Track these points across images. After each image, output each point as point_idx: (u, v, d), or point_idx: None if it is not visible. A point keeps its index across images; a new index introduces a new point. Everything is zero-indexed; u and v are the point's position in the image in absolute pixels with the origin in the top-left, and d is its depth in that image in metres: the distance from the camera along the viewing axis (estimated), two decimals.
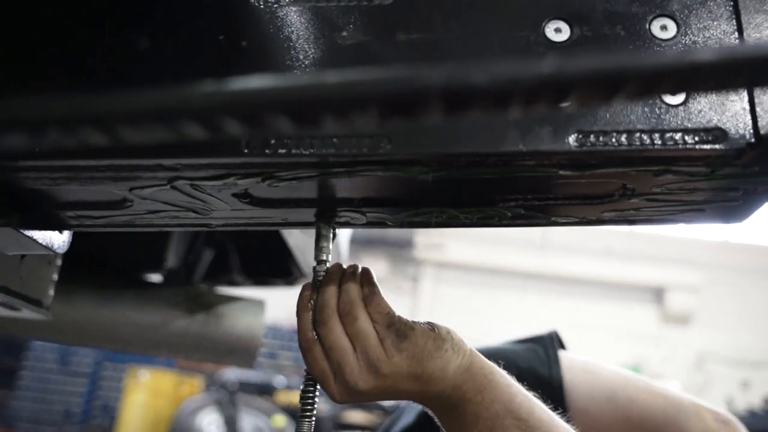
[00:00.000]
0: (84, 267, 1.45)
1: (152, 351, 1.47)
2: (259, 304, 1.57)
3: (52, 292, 1.13)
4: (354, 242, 10.62)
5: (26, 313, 1.09)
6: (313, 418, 0.80)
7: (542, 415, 0.81)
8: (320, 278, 0.80)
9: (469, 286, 10.84)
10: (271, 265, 1.68)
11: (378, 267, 11.05)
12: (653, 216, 0.78)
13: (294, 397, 7.30)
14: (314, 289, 0.79)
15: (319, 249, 0.81)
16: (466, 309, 10.63)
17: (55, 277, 1.14)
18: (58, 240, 0.85)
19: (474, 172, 0.65)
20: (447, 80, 0.36)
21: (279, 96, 0.35)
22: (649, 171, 0.66)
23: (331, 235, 0.81)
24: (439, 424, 0.84)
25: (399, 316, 0.78)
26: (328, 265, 0.81)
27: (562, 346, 1.34)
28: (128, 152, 0.64)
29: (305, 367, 0.80)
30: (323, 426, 6.80)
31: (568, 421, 0.84)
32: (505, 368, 1.28)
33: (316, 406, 0.80)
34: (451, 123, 0.60)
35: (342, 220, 0.79)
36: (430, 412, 0.83)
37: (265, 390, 6.94)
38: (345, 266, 0.81)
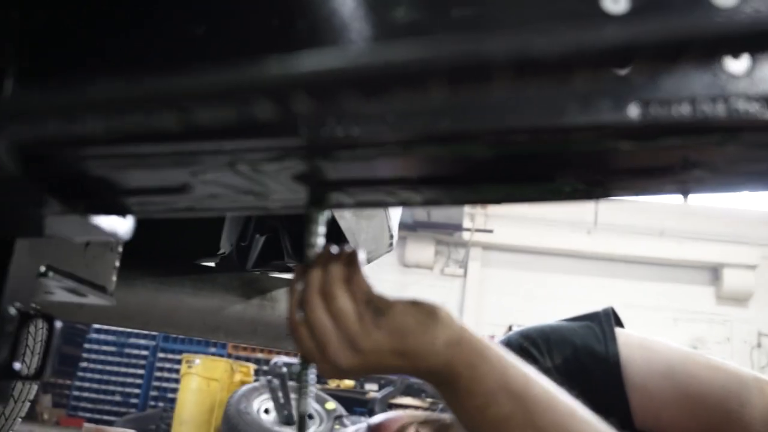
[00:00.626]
0: (141, 254, 1.49)
1: (210, 335, 1.50)
2: None
3: (115, 278, 1.17)
4: (400, 227, 10.61)
5: (92, 299, 1.13)
6: (311, 396, 0.82)
7: (538, 390, 0.80)
8: (311, 260, 0.82)
9: (519, 269, 10.77)
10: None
11: (425, 252, 11.05)
12: (715, 186, 0.76)
13: (344, 382, 7.39)
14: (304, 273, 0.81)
15: (309, 233, 0.82)
16: (515, 292, 10.56)
17: (118, 263, 1.18)
18: (122, 227, 0.87)
19: (532, 147, 0.65)
20: (509, 52, 0.36)
21: (349, 70, 0.35)
22: (711, 141, 0.65)
23: (323, 218, 0.82)
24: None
25: (378, 294, 0.79)
26: (318, 248, 0.82)
27: (619, 323, 1.33)
28: (190, 136, 0.65)
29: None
30: (374, 409, 6.86)
31: (613, 399, 0.84)
32: (560, 346, 1.28)
33: (312, 384, 0.82)
34: (511, 97, 0.60)
35: (397, 199, 0.80)
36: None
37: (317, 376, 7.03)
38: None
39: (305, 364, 0.81)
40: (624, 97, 0.62)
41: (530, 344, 1.29)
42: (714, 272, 10.31)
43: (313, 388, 0.83)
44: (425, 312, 0.80)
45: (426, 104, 0.60)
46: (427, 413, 1.29)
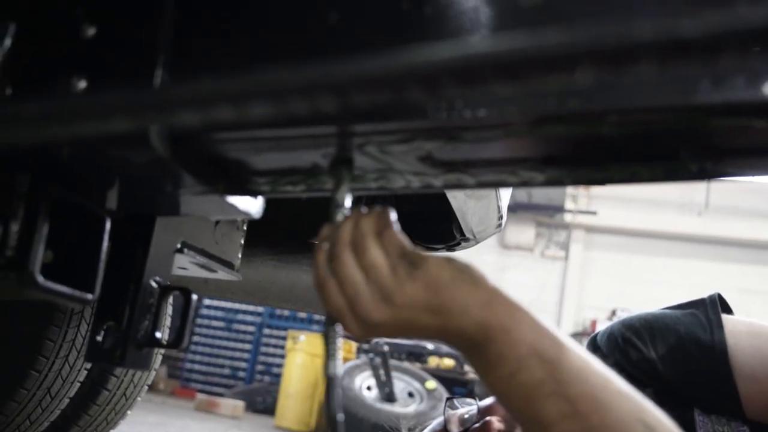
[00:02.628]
0: (262, 233, 1.56)
1: (313, 308, 1.56)
2: None
3: (240, 255, 1.24)
4: None
5: (221, 274, 1.20)
6: (340, 358, 0.79)
7: (572, 357, 0.76)
8: (339, 220, 0.78)
9: (624, 252, 10.46)
10: (432, 229, 1.72)
11: (525, 234, 10.92)
12: None
13: (444, 362, 7.44)
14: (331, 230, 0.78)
15: (336, 191, 0.79)
16: (619, 276, 10.28)
17: (243, 241, 1.25)
18: (254, 206, 0.93)
19: (661, 127, 0.65)
20: (656, 31, 0.37)
21: (499, 57, 0.37)
22: None
23: (350, 176, 0.78)
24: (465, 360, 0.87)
25: (412, 247, 0.76)
26: (345, 210, 0.79)
27: (727, 310, 1.28)
28: (324, 120, 0.69)
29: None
30: (474, 389, 6.88)
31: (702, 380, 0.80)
32: (664, 334, 1.25)
33: (339, 345, 0.79)
34: (643, 77, 0.60)
35: (519, 179, 0.81)
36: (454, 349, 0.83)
37: (417, 356, 7.12)
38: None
39: (332, 322, 0.78)
40: (759, 74, 0.60)
41: (633, 334, 1.27)
42: None
43: (340, 348, 0.79)
44: (459, 268, 0.77)
45: (560, 86, 0.61)
46: None
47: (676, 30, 0.36)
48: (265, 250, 1.55)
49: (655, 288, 9.50)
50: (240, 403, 7.12)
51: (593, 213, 10.38)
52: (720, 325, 1.23)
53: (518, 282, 10.67)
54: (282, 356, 8.73)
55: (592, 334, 1.38)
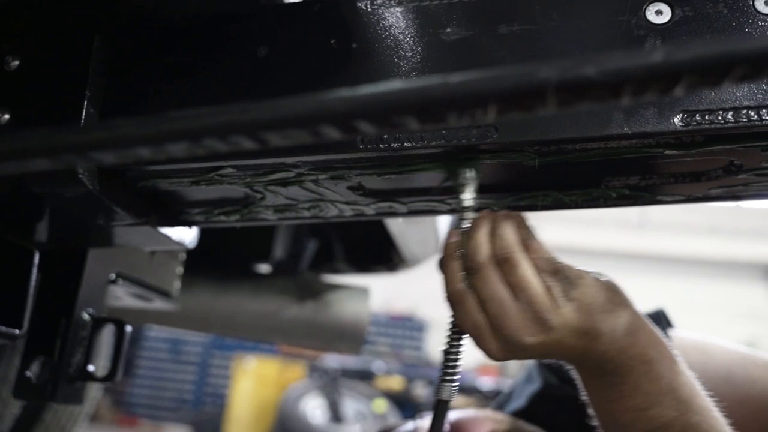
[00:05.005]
0: (200, 260, 1.55)
1: (268, 337, 1.55)
2: (364, 291, 1.63)
3: (178, 284, 1.23)
4: (449, 227, 10.60)
5: (158, 303, 1.19)
6: (457, 381, 0.74)
7: (701, 401, 0.73)
8: (466, 225, 0.72)
9: None
10: (373, 252, 1.73)
11: None
12: (763, 190, 0.77)
13: (392, 383, 7.43)
14: (461, 237, 0.71)
15: (464, 191, 0.72)
16: None
17: (181, 270, 1.24)
18: (188, 236, 0.92)
19: (579, 156, 0.68)
20: (561, 74, 0.39)
21: (408, 98, 0.39)
22: (756, 146, 0.66)
23: (473, 176, 0.71)
24: (581, 388, 0.78)
25: (565, 263, 0.70)
26: (472, 215, 0.72)
27: (669, 325, 1.32)
28: (252, 154, 0.70)
29: (451, 322, 0.74)
30: (423, 410, 6.90)
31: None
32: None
33: (460, 365, 0.74)
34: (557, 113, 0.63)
35: (448, 207, 0.83)
36: (574, 374, 0.77)
37: (365, 375, 7.09)
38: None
39: (456, 341, 0.73)
40: (669, 106, 0.64)
41: None
42: (767, 270, 10.05)
43: (460, 368, 0.74)
44: (611, 288, 0.71)
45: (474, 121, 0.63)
46: (510, 419, 1.22)
47: (573, 73, 0.38)
48: (206, 278, 1.54)
49: None
50: (186, 431, 6.97)
51: (536, 230, 10.55)
52: (667, 339, 1.26)
53: None
54: (231, 377, 8.58)
55: None
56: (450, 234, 0.72)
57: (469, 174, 0.70)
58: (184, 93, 0.72)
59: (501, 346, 0.69)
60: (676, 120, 0.63)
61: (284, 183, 0.75)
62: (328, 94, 0.40)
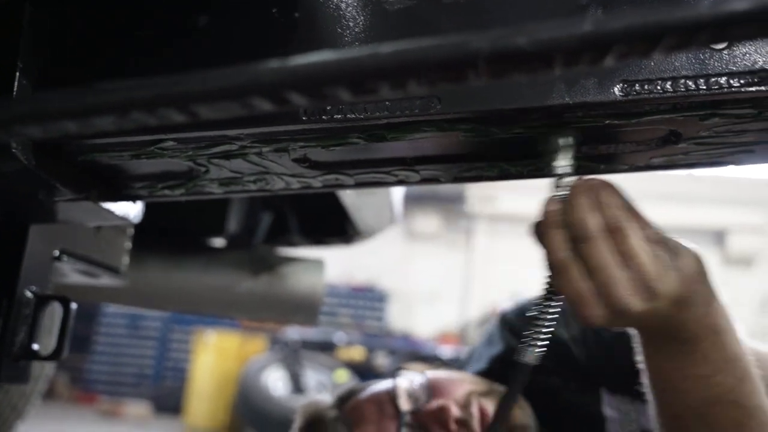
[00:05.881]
0: (151, 235, 1.53)
1: (222, 312, 1.54)
2: (319, 264, 1.63)
3: (126, 259, 1.20)
4: (406, 198, 10.66)
5: (105, 280, 1.17)
6: (543, 347, 0.74)
7: (755, 370, 0.76)
8: (562, 193, 0.72)
9: (524, 239, 10.78)
10: (328, 224, 1.73)
11: (430, 222, 11.10)
12: (703, 159, 0.79)
13: (354, 354, 7.48)
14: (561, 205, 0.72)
15: (558, 159, 0.72)
16: (521, 260, 10.61)
17: (129, 245, 1.21)
18: (132, 211, 0.90)
19: (522, 127, 0.68)
20: (492, 45, 0.38)
21: (338, 69, 0.38)
22: (695, 116, 0.67)
23: (569, 142, 0.71)
24: (642, 356, 0.79)
25: (667, 233, 0.72)
26: (567, 182, 0.73)
27: None
28: (194, 125, 0.68)
29: (546, 289, 0.75)
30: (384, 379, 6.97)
31: None
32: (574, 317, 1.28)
33: (550, 331, 0.75)
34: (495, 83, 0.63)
35: (396, 179, 0.83)
36: (636, 340, 0.78)
37: (327, 347, 7.13)
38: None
39: (549, 308, 0.74)
40: (609, 77, 0.64)
41: None
42: (719, 236, 10.34)
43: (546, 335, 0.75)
44: (702, 259, 0.73)
45: (416, 92, 0.63)
46: (485, 381, 1.23)
47: (504, 44, 0.38)
48: (158, 253, 1.52)
49: None
50: (146, 406, 6.94)
51: (494, 201, 10.65)
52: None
53: (425, 269, 10.85)
54: (192, 352, 8.55)
55: (503, 311, 1.37)
56: (548, 202, 0.72)
57: (565, 141, 0.71)
58: (122, 64, 0.70)
59: (605, 312, 0.69)
60: (616, 90, 0.64)
61: (227, 156, 0.74)
62: (257, 65, 0.40)
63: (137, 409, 6.86)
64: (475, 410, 1.13)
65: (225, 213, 1.72)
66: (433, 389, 1.17)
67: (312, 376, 6.24)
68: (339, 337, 7.48)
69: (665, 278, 0.69)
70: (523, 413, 1.17)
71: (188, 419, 6.60)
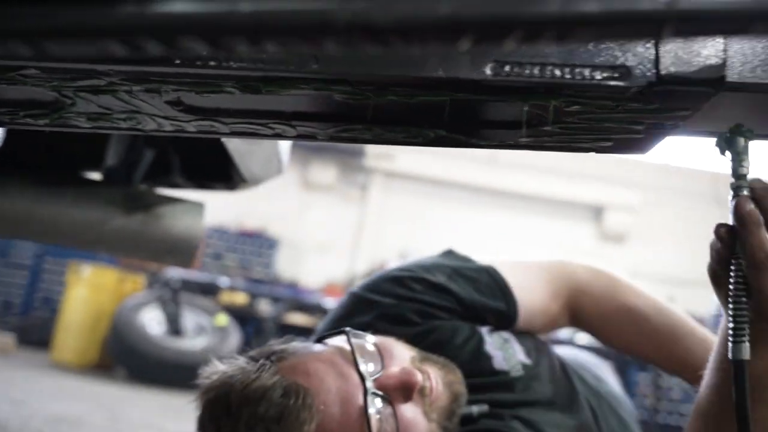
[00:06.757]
0: (22, 164, 1.46)
1: (90, 247, 1.50)
2: (199, 206, 1.60)
3: None
4: (304, 147, 10.59)
5: None
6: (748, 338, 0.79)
7: None
8: (746, 193, 0.79)
9: (418, 197, 10.99)
10: (212, 169, 1.70)
11: (327, 174, 11.08)
12: (566, 143, 0.83)
13: (236, 298, 7.44)
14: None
15: (739, 162, 0.79)
16: (414, 219, 10.81)
17: None
18: None
19: (395, 95, 0.69)
20: (351, 17, 0.39)
21: (193, 22, 0.38)
22: (560, 101, 0.71)
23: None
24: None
25: None
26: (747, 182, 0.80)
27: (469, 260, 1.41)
28: (59, 57, 0.65)
29: (740, 283, 0.80)
30: (266, 326, 6.98)
31: None
32: (437, 267, 1.32)
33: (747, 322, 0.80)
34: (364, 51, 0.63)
35: (272, 132, 0.82)
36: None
37: (209, 290, 7.04)
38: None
39: (745, 297, 0.80)
40: (482, 55, 0.66)
41: (412, 271, 1.32)
42: (597, 212, 10.92)
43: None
44: None
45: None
46: (412, 346, 1.15)
47: (362, 17, 0.38)
48: (24, 182, 1.44)
49: (445, 234, 10.11)
50: (9, 337, 6.62)
51: (392, 158, 10.75)
52: (470, 258, 1.36)
53: (318, 220, 10.86)
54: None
55: (351, 290, 1.36)
56: (743, 203, 0.78)
57: (744, 144, 0.78)
58: None
59: None
60: (487, 69, 0.66)
61: (95, 91, 0.72)
62: (113, 7, 0.39)
63: None
64: (429, 379, 1.08)
65: (104, 146, 1.66)
66: (382, 352, 1.09)
67: (191, 318, 6.17)
68: (223, 281, 7.41)
69: None
70: (455, 376, 1.14)
71: (55, 354, 6.37)
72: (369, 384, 1.01)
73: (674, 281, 9.76)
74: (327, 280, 10.05)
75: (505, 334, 1.30)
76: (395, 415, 1.02)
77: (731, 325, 0.80)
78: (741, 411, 0.77)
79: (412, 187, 11.04)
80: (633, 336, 1.33)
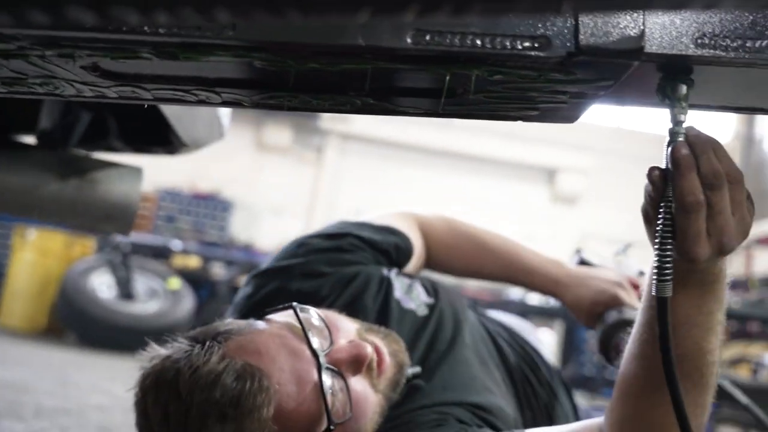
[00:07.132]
0: None
1: (23, 213, 1.46)
2: (137, 171, 1.57)
3: None
4: (258, 109, 10.39)
5: None
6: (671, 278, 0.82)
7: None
8: (680, 138, 0.79)
9: (374, 159, 10.97)
10: (150, 132, 1.66)
11: (282, 136, 10.97)
12: (493, 112, 0.83)
13: (189, 262, 7.37)
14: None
15: (679, 108, 0.78)
16: (369, 181, 10.81)
17: None
18: None
19: (316, 63, 0.68)
20: None
21: None
22: (482, 70, 0.71)
23: (687, 92, 0.77)
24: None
25: None
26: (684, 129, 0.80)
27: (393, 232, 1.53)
28: None
29: (665, 226, 0.81)
30: (219, 289, 6.94)
31: None
32: (359, 226, 1.44)
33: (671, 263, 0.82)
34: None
35: (196, 98, 0.81)
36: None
37: (161, 253, 6.96)
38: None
39: (670, 240, 0.81)
40: (404, 24, 0.66)
41: (308, 236, 1.46)
42: (550, 174, 11.07)
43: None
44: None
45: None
46: (360, 321, 1.16)
47: None
48: None
49: (400, 196, 10.14)
50: None
51: (347, 120, 10.68)
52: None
53: (273, 183, 10.79)
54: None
55: (259, 270, 1.41)
56: (679, 147, 0.79)
57: (685, 92, 0.77)
58: None
59: (711, 251, 0.81)
60: (408, 38, 0.66)
61: (5, 55, 0.69)
62: None
63: None
64: (378, 351, 1.08)
65: (37, 109, 1.61)
66: (329, 325, 1.06)
67: (142, 282, 6.09)
68: (175, 244, 7.32)
69: (750, 223, 0.83)
70: (399, 346, 1.14)
71: (2, 319, 6.25)
72: (322, 360, 0.99)
73: (624, 242, 9.98)
74: (282, 243, 10.00)
75: (407, 279, 1.41)
76: (347, 388, 1.02)
77: (656, 264, 0.82)
78: (664, 344, 0.80)
79: (368, 150, 11.01)
80: (476, 259, 1.56)
